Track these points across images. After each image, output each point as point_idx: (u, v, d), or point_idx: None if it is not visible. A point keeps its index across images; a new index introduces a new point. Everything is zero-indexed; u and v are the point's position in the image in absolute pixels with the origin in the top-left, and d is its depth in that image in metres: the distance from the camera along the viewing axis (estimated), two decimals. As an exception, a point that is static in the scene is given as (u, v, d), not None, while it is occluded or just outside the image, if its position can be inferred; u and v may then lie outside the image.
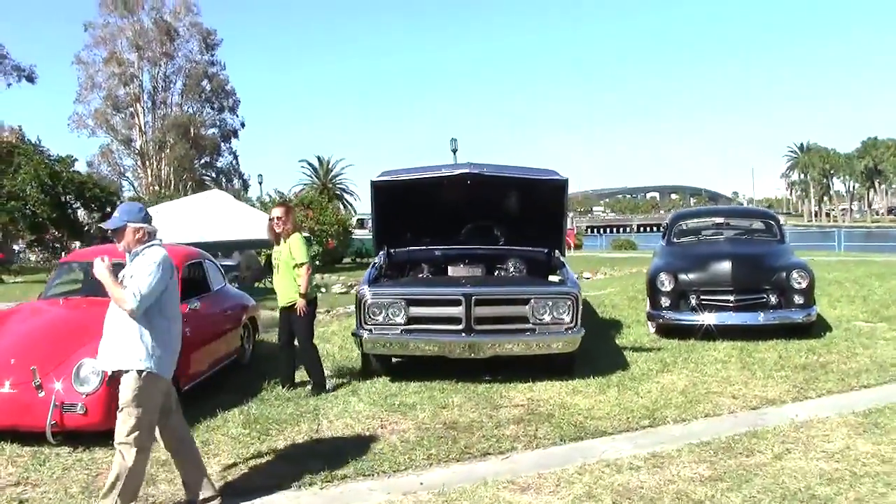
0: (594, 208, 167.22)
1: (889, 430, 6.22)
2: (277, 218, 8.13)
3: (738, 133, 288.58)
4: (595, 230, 77.88)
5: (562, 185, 9.40)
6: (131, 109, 56.44)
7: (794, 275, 10.22)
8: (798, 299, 10.17)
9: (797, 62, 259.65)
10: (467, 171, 8.99)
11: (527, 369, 8.31)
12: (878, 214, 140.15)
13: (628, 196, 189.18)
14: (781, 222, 12.79)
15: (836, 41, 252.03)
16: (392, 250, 9.97)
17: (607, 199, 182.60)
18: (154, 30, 55.69)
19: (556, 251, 9.89)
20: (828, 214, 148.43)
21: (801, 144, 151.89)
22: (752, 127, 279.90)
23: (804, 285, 10.16)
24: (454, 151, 34.77)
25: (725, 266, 10.32)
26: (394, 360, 8.89)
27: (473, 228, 10.22)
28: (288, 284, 8.08)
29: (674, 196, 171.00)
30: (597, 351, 9.45)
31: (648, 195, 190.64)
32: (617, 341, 10.47)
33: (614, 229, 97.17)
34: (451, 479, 5.52)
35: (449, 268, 9.45)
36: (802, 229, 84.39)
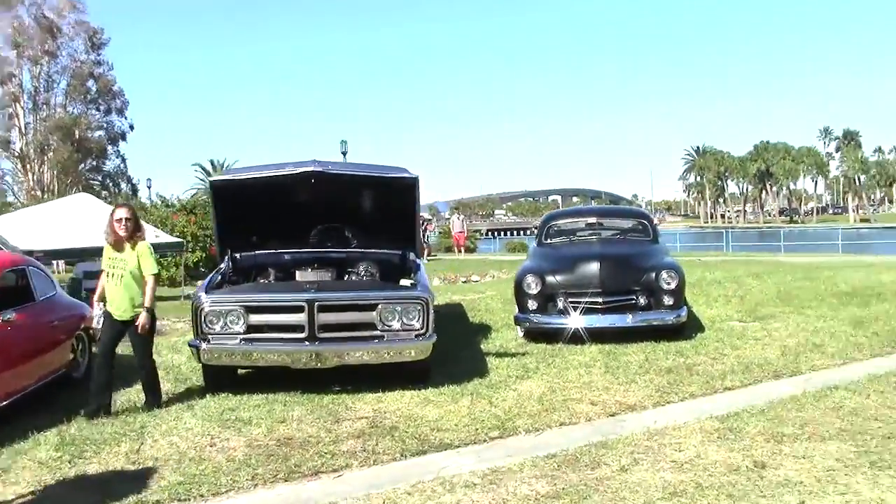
0: (496, 211, 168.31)
1: (743, 436, 5.96)
2: (126, 219, 7.27)
3: (637, 136, 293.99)
4: (495, 233, 78.05)
5: (411, 182, 8.95)
6: (10, 110, 53.43)
7: (664, 275, 10.03)
8: (668, 300, 9.97)
9: (694, 66, 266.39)
10: (311, 168, 8.47)
11: (379, 378, 7.83)
12: (770, 215, 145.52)
13: (530, 199, 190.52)
14: (655, 222, 12.68)
15: (732, 48, 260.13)
16: (237, 255, 9.35)
17: (510, 203, 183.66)
18: (34, 27, 53.12)
19: (411, 253, 9.45)
20: (723, 216, 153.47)
21: (698, 147, 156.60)
22: (652, 130, 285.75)
23: (673, 286, 9.97)
24: (344, 154, 34.43)
25: (593, 267, 10.04)
26: (240, 371, 8.32)
27: (324, 230, 9.64)
28: (132, 296, 7.28)
29: (575, 199, 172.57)
30: (457, 357, 9.06)
31: (550, 198, 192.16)
32: (482, 346, 10.05)
33: (514, 232, 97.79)
34: (274, 502, 5.08)
35: (297, 272, 8.89)
36: (698, 230, 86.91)
